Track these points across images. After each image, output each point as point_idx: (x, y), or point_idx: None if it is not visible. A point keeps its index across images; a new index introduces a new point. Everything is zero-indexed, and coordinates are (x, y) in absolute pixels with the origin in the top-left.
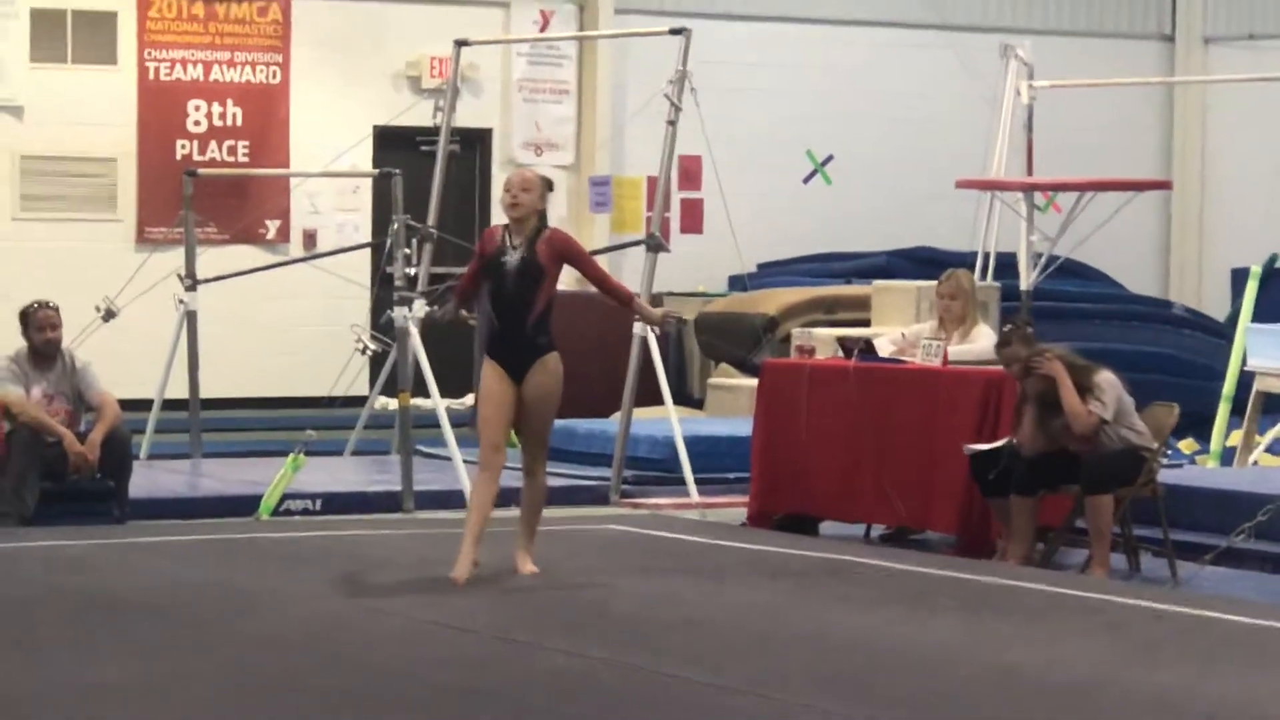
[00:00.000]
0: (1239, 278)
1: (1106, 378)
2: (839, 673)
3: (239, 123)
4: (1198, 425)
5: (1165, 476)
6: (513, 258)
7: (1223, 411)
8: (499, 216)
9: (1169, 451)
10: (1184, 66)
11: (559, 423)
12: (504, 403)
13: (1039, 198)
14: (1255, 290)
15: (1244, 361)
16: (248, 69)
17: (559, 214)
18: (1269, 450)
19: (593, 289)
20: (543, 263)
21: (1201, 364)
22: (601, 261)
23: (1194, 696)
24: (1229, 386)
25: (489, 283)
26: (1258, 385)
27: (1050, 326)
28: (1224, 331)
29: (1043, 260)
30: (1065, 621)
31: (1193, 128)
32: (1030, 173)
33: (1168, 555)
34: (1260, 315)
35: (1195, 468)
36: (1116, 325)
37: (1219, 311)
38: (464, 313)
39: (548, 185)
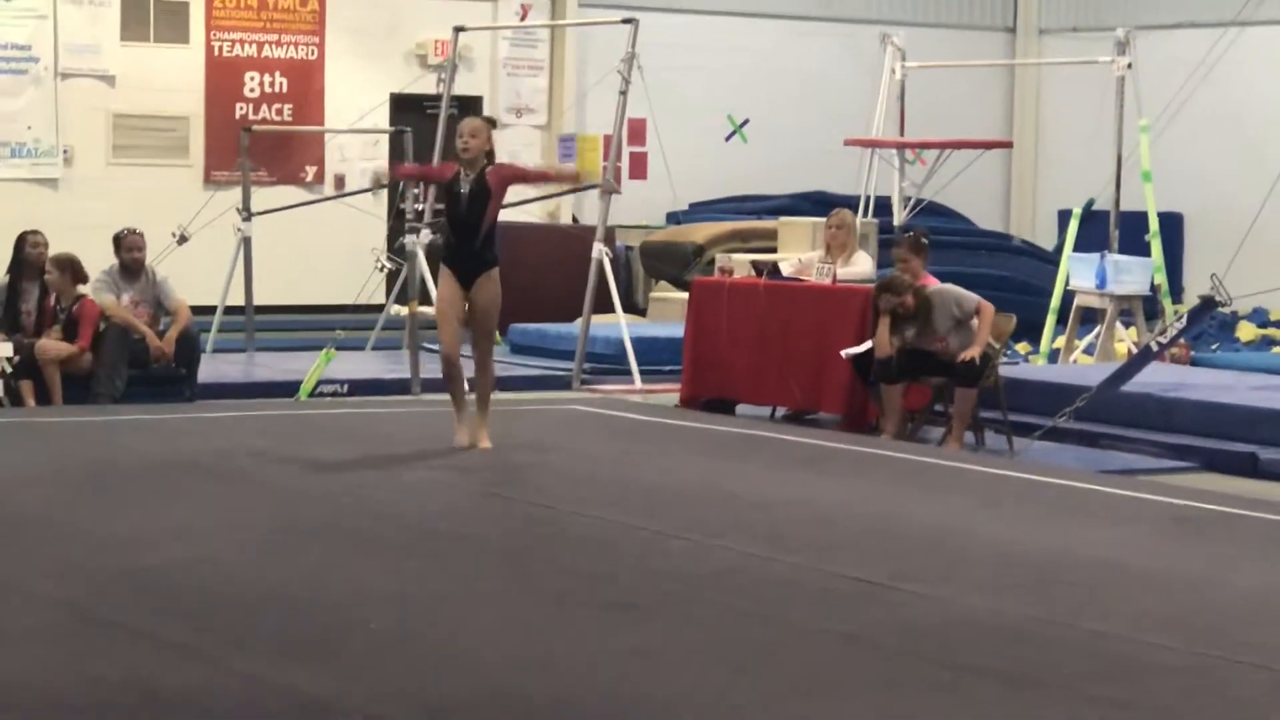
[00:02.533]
0: (1064, 217)
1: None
2: (750, 522)
3: (284, 90)
4: (1031, 332)
5: (1005, 371)
6: (465, 186)
7: (1050, 321)
8: None
9: (1008, 352)
10: (1022, 52)
11: (534, 326)
12: (456, 303)
13: (908, 153)
14: (1076, 227)
15: (1067, 283)
16: (291, 47)
17: (535, 162)
18: (1085, 351)
19: (560, 223)
20: (490, 186)
21: (1034, 284)
22: (567, 200)
23: (1023, 540)
24: (1055, 302)
25: (446, 207)
26: (1077, 301)
27: None
28: (1052, 259)
29: (911, 202)
30: (929, 483)
31: (1029, 100)
32: (902, 134)
33: (1006, 433)
34: (1080, 246)
35: (1028, 365)
36: (969, 253)
37: (1048, 243)
38: (384, 179)
39: (491, 125)
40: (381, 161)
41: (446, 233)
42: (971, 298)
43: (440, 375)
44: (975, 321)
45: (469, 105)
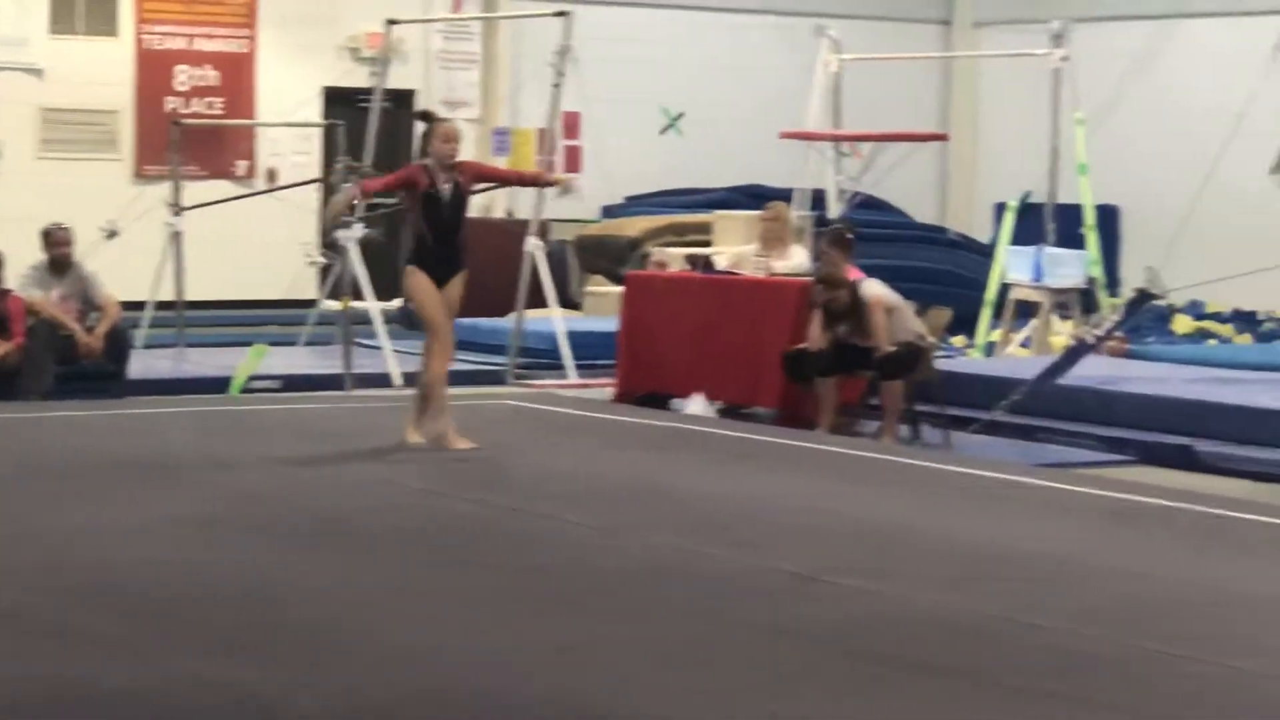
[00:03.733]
0: (999, 210)
1: (881, 300)
2: (686, 516)
3: (215, 83)
4: (966, 325)
5: (941, 364)
6: (446, 191)
7: (985, 315)
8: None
9: (944, 345)
10: (959, 45)
11: (467, 320)
12: (438, 294)
13: (844, 147)
14: (1012, 220)
15: (1003, 275)
16: (222, 40)
17: (468, 156)
18: (1021, 344)
19: (494, 217)
20: (464, 188)
21: (970, 277)
22: (501, 194)
23: (959, 533)
24: (990, 295)
25: (427, 213)
26: (1013, 294)
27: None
28: (987, 252)
29: (847, 196)
30: (865, 476)
31: (965, 93)
32: (837, 127)
33: (943, 426)
34: (1016, 239)
35: (964, 358)
36: (904, 247)
37: (984, 236)
38: (356, 202)
39: None
40: (350, 186)
41: (422, 234)
42: (866, 289)
43: (414, 374)
44: (907, 322)
45: (402, 99)
